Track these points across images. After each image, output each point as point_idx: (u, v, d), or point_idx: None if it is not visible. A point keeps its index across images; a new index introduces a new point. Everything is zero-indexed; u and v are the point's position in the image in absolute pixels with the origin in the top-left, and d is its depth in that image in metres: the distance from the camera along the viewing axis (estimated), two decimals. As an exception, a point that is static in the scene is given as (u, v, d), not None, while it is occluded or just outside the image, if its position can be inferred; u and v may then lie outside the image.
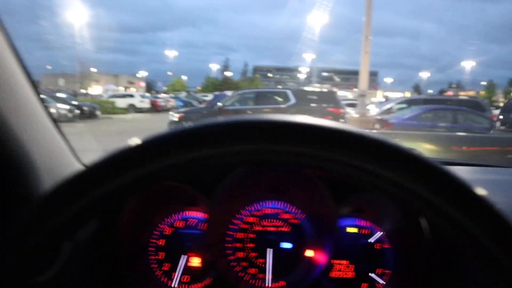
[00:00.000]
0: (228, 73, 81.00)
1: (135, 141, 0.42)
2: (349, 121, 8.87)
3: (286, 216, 0.98)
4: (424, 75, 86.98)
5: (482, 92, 67.10)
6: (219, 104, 11.18)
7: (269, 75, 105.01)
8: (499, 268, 0.37)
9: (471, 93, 67.89)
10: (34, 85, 0.72)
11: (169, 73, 70.54)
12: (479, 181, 1.33)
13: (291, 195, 0.99)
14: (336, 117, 10.93)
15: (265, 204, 0.99)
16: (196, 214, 1.00)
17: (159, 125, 16.77)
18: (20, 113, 0.63)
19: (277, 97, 11.49)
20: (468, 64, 66.85)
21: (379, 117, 11.62)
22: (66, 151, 0.80)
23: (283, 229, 0.97)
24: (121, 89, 55.07)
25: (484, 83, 73.65)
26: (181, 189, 0.96)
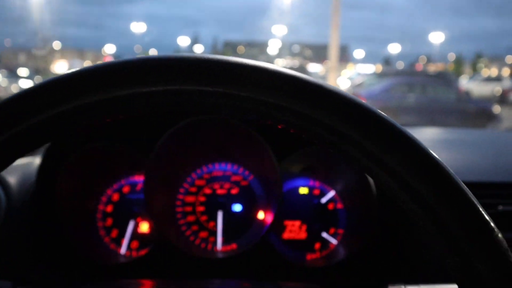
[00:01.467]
0: (198, 47, 79.79)
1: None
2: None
3: (235, 178, 0.97)
4: (394, 48, 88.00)
5: (451, 65, 68.47)
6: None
7: (240, 49, 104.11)
8: (444, 229, 0.33)
9: (440, 65, 69.29)
10: None
11: (138, 46, 68.93)
12: (436, 140, 1.40)
13: (240, 156, 0.97)
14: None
15: (214, 167, 0.97)
16: (139, 178, 0.97)
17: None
18: None
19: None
20: (437, 37, 67.90)
21: (350, 91, 11.63)
22: None
23: (233, 191, 0.96)
24: (87, 65, 53.71)
25: (452, 55, 75.07)
26: (124, 151, 0.93)
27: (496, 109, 11.76)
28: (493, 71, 61.26)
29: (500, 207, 0.84)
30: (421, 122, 10.34)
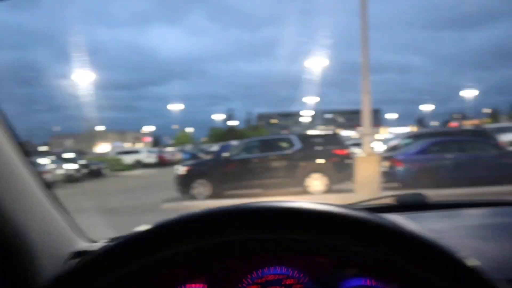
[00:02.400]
0: (232, 122, 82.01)
1: (144, 227, 0.44)
2: (356, 160, 8.86)
3: (289, 281, 0.95)
4: (426, 107, 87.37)
5: (487, 120, 67.06)
6: (225, 154, 11.24)
7: (273, 121, 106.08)
8: None
9: (475, 121, 67.95)
10: (28, 159, 0.72)
11: (175, 126, 71.61)
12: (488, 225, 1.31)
13: (293, 259, 0.96)
14: (342, 158, 10.93)
15: (267, 271, 0.96)
16: (198, 287, 0.97)
17: (166, 179, 16.84)
18: (15, 197, 0.63)
19: (282, 144, 11.55)
20: (467, 93, 67.34)
21: (386, 155, 11.60)
22: (66, 229, 0.79)
23: None
24: (128, 145, 55.75)
25: (487, 110, 73.80)
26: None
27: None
28: (533, 123, 59.33)
29: None
30: (460, 180, 10.11)
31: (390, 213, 1.43)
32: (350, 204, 1.63)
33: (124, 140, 67.23)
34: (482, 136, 13.53)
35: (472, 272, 0.38)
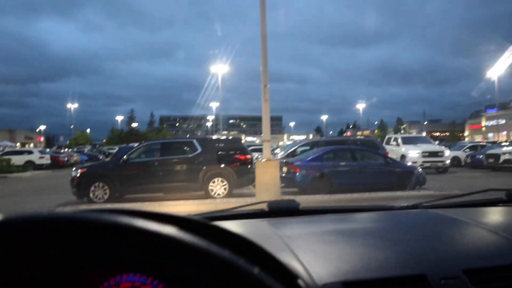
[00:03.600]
0: (134, 124, 79.21)
1: None
2: (256, 165, 9.08)
3: None
4: (324, 117, 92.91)
5: (376, 131, 73.11)
6: (124, 157, 10.80)
7: (176, 124, 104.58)
8: None
9: (366, 132, 73.72)
10: None
11: (72, 126, 67.12)
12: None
13: (147, 265, 0.94)
14: (244, 163, 11.13)
15: (121, 278, 0.94)
16: None
17: (61, 182, 15.69)
18: None
19: (183, 147, 11.42)
20: (359, 106, 72.98)
21: (284, 160, 12.07)
22: None
23: None
24: (17, 145, 50.90)
25: (376, 122, 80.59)
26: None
27: (419, 170, 12.77)
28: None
29: None
30: (353, 185, 10.92)
31: (261, 218, 1.51)
32: (220, 211, 1.68)
33: (13, 139, 61.25)
34: (371, 146, 14.71)
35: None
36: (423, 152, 19.69)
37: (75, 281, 0.89)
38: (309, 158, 11.78)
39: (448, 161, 19.85)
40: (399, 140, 22.10)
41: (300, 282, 0.41)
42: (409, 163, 17.33)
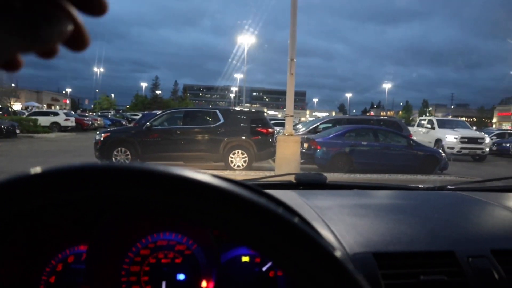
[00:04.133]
0: (158, 92, 79.74)
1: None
2: (278, 139, 9.06)
3: (180, 247, 0.99)
4: (348, 95, 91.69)
5: (401, 112, 71.93)
6: (148, 124, 10.92)
7: (200, 94, 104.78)
8: None
9: (391, 113, 72.61)
10: None
11: (97, 90, 68.04)
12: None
13: (183, 226, 0.99)
14: (265, 136, 11.12)
15: (158, 236, 0.99)
16: (82, 250, 0.98)
17: (85, 144, 16.02)
18: None
19: (206, 117, 11.45)
20: (385, 86, 71.65)
21: (305, 136, 12.02)
22: None
23: (177, 260, 0.98)
24: (44, 107, 52.01)
25: (401, 103, 79.13)
26: (68, 222, 0.95)
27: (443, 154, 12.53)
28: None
29: (421, 277, 0.88)
30: (373, 165, 10.84)
31: (287, 189, 1.53)
32: (249, 180, 1.70)
33: (40, 100, 62.51)
34: (395, 127, 14.48)
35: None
36: (461, 138, 17.47)
37: (116, 235, 0.95)
38: (330, 136, 11.69)
39: (487, 149, 17.83)
40: (434, 123, 19.77)
41: (336, 252, 0.41)
42: (446, 149, 16.56)
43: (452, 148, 17.30)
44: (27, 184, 0.38)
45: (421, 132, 19.18)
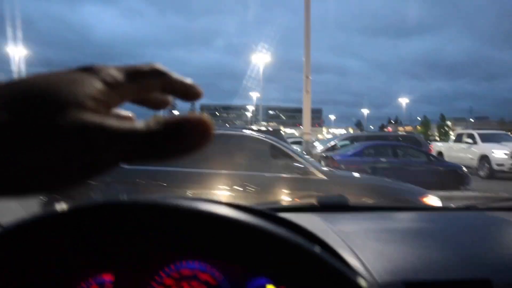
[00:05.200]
0: (175, 112, 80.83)
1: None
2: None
3: (204, 276, 0.95)
4: (365, 111, 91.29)
5: (419, 127, 71.18)
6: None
7: (216, 114, 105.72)
8: None
9: (409, 128, 71.95)
10: None
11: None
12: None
13: (207, 253, 0.93)
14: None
15: (181, 264, 0.96)
16: (106, 279, 0.94)
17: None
18: None
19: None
20: (401, 100, 71.11)
21: (324, 155, 11.90)
22: None
23: None
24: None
25: (419, 118, 78.31)
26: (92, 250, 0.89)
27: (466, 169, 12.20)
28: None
29: None
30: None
31: (310, 213, 1.50)
32: (269, 202, 1.67)
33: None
34: (413, 143, 14.26)
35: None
36: None
37: (139, 262, 0.90)
38: (349, 153, 11.55)
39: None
40: (476, 137, 16.96)
41: (361, 280, 0.40)
42: (494, 165, 14.91)
43: (502, 165, 14.85)
44: (54, 225, 0.40)
45: (461, 148, 17.08)
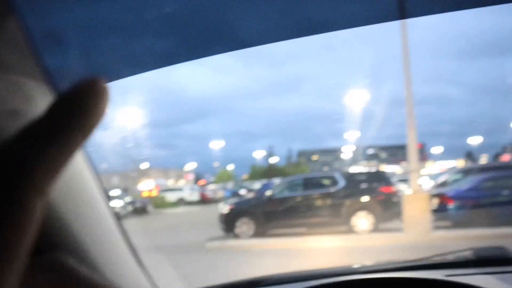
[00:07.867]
0: (273, 159, 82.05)
1: None
2: (404, 198, 8.53)
3: None
4: (474, 140, 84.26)
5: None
6: (268, 193, 11.18)
7: (314, 158, 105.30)
8: None
9: (529, 154, 64.58)
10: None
11: (215, 163, 72.44)
12: None
13: None
14: (388, 195, 10.57)
15: None
16: None
17: (209, 217, 16.82)
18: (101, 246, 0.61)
19: (325, 182, 11.38)
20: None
21: (435, 192, 11.14)
22: (136, 271, 0.74)
23: None
24: (170, 183, 56.50)
25: (540, 143, 70.07)
26: None
27: None
28: None
29: None
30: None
31: (468, 268, 1.31)
32: (421, 259, 1.51)
33: (167, 177, 68.23)
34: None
35: None
36: None
37: None
38: (463, 188, 10.68)
39: None
40: None
41: None
42: None
43: None
44: None
45: None
